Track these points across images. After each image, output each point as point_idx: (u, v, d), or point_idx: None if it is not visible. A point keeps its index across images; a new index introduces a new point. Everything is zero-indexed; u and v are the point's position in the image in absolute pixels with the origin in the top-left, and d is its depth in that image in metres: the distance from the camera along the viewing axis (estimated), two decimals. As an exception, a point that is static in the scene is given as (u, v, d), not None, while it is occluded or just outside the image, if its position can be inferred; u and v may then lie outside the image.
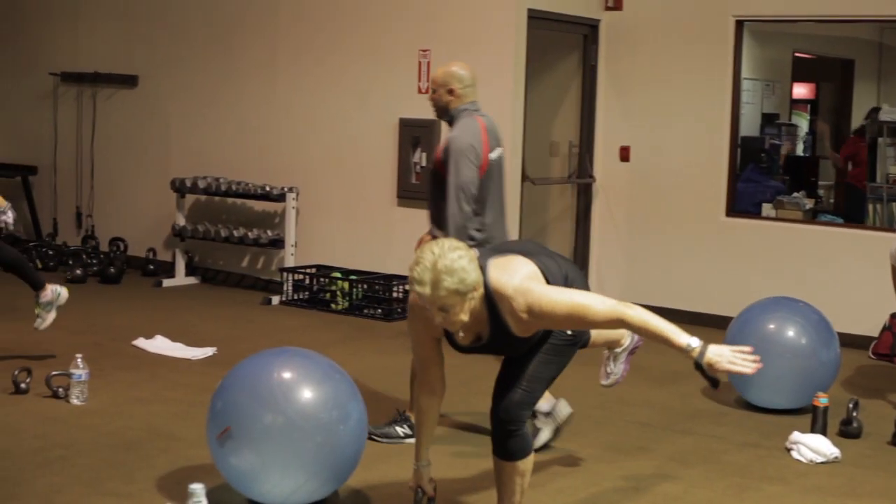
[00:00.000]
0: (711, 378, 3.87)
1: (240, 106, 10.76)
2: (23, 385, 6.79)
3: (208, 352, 7.98)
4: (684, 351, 3.90)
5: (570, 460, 5.84)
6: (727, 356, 3.86)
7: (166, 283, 10.64)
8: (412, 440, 5.75)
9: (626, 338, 5.40)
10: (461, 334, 4.30)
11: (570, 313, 4.04)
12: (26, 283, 7.40)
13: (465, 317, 4.10)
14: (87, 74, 11.76)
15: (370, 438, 5.66)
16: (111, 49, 11.73)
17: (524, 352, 4.39)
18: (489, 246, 4.46)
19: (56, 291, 7.40)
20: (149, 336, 8.18)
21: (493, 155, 5.93)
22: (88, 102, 11.88)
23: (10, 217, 6.86)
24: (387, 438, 6.02)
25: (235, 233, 10.36)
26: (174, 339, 8.21)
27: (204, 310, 9.67)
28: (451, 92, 5.95)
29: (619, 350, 5.43)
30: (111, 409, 6.52)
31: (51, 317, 7.41)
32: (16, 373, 6.82)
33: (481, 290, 4.13)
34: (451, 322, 4.12)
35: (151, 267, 11.06)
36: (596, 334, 5.17)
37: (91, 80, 11.76)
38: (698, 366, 3.87)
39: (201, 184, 10.49)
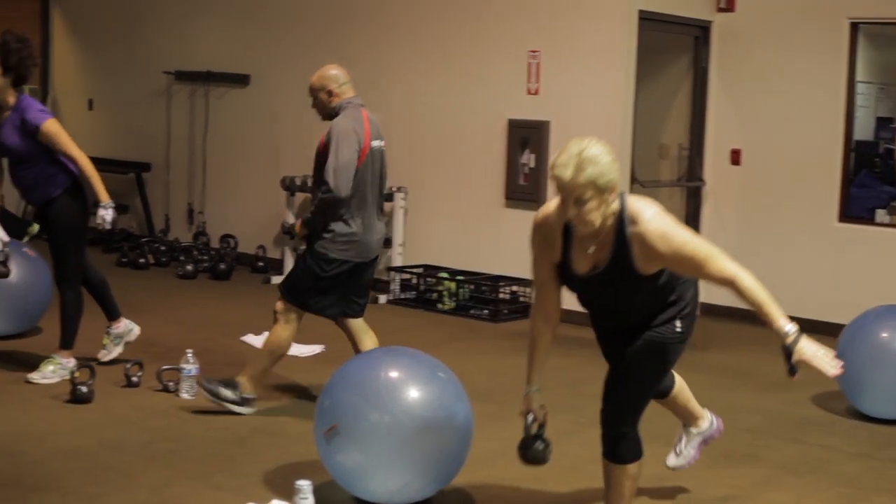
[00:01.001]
0: (792, 365, 3.93)
1: (349, 105, 10.82)
2: (134, 378, 6.91)
3: (316, 349, 8.05)
4: (780, 332, 3.95)
5: (676, 466, 5.79)
6: (814, 350, 3.92)
7: (275, 280, 10.73)
8: (236, 407, 6.33)
9: (705, 420, 5.25)
10: (589, 250, 4.23)
11: (695, 255, 4.09)
12: (103, 310, 7.37)
13: (597, 219, 4.11)
14: (200, 73, 11.92)
15: (201, 387, 6.35)
16: (224, 48, 11.87)
17: (631, 300, 4.31)
18: None
19: (129, 327, 7.41)
20: (257, 332, 8.25)
21: (375, 143, 6.37)
22: (201, 101, 12.04)
23: (109, 215, 6.90)
24: (212, 396, 6.33)
25: (346, 231, 10.41)
26: (282, 336, 8.28)
27: (311, 307, 9.73)
28: (329, 93, 6.45)
29: (694, 431, 5.24)
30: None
31: (117, 350, 7.39)
32: (128, 366, 6.95)
33: (617, 203, 4.15)
34: (583, 221, 4.10)
35: (261, 264, 11.18)
36: (678, 390, 5.06)
37: (204, 79, 11.92)
38: (787, 351, 3.93)
39: (311, 182, 10.56)
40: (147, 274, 11.04)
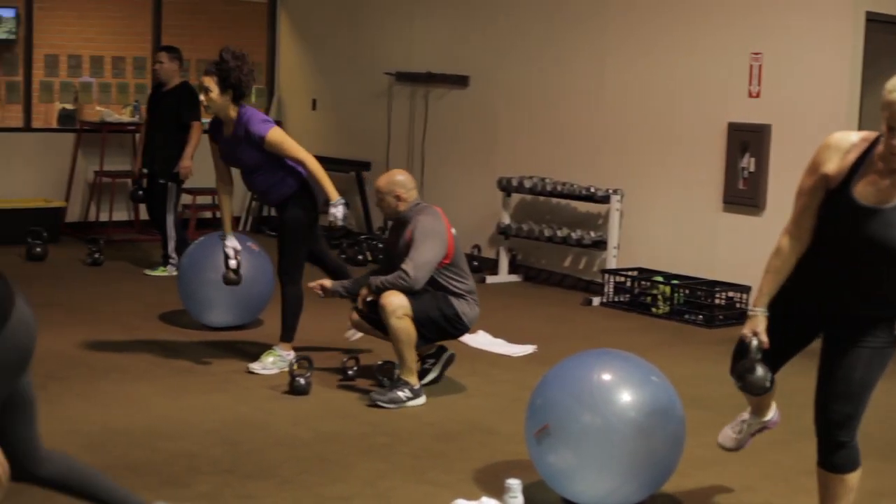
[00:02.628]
0: None
1: (567, 106, 10.82)
2: (350, 372, 7.05)
3: (528, 349, 8.07)
4: None
5: (894, 480, 5.63)
6: None
7: (489, 279, 10.81)
8: (413, 402, 6.57)
9: (772, 411, 5.04)
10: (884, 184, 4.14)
11: None
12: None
13: None
14: (421, 75, 12.08)
15: (375, 406, 6.51)
16: (444, 50, 12.00)
17: (884, 264, 4.16)
18: None
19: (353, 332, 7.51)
20: (471, 331, 8.30)
21: (453, 231, 6.82)
22: (421, 102, 12.20)
23: (340, 212, 7.03)
24: (393, 404, 6.54)
25: (559, 233, 10.43)
26: (495, 335, 8.33)
27: (525, 307, 9.77)
28: (397, 197, 6.78)
29: (757, 419, 5.00)
30: (432, 400, 6.69)
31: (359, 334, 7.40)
32: (344, 360, 7.09)
33: None
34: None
35: (475, 263, 11.24)
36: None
37: (424, 80, 12.07)
38: None
39: (527, 183, 10.61)
40: (364, 270, 11.22)
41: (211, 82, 6.97)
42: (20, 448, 3.83)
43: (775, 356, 4.43)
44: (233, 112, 7.04)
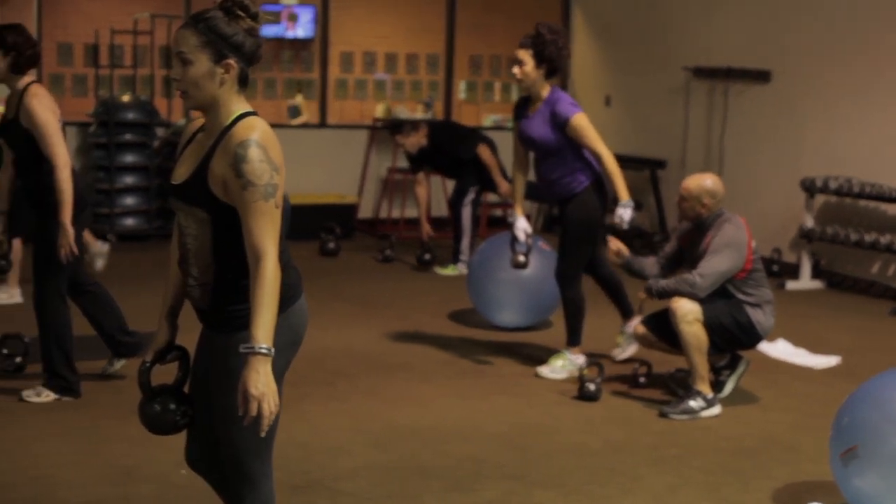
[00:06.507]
0: None
1: (880, 102, 10.25)
2: (641, 379, 6.86)
3: (832, 361, 7.65)
4: None
5: None
6: None
7: (790, 285, 10.36)
8: (707, 412, 6.27)
9: None
10: None
11: None
12: (617, 309, 7.45)
13: None
14: (720, 70, 11.71)
15: (665, 416, 6.25)
16: (744, 44, 11.60)
17: None
18: None
19: None
20: (771, 339, 7.95)
21: (753, 244, 6.49)
22: (719, 98, 11.84)
23: (628, 214, 6.77)
24: (686, 415, 6.25)
25: (866, 237, 9.89)
26: (795, 345, 7.95)
27: (828, 316, 9.29)
28: (702, 205, 6.46)
29: None
30: (726, 411, 6.40)
31: (632, 349, 7.32)
32: (636, 367, 6.89)
33: None
34: None
35: (775, 268, 10.81)
36: None
37: (723, 76, 11.70)
38: None
39: (832, 184, 10.12)
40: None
41: (526, 55, 6.86)
42: None
43: None
44: (544, 90, 6.94)
